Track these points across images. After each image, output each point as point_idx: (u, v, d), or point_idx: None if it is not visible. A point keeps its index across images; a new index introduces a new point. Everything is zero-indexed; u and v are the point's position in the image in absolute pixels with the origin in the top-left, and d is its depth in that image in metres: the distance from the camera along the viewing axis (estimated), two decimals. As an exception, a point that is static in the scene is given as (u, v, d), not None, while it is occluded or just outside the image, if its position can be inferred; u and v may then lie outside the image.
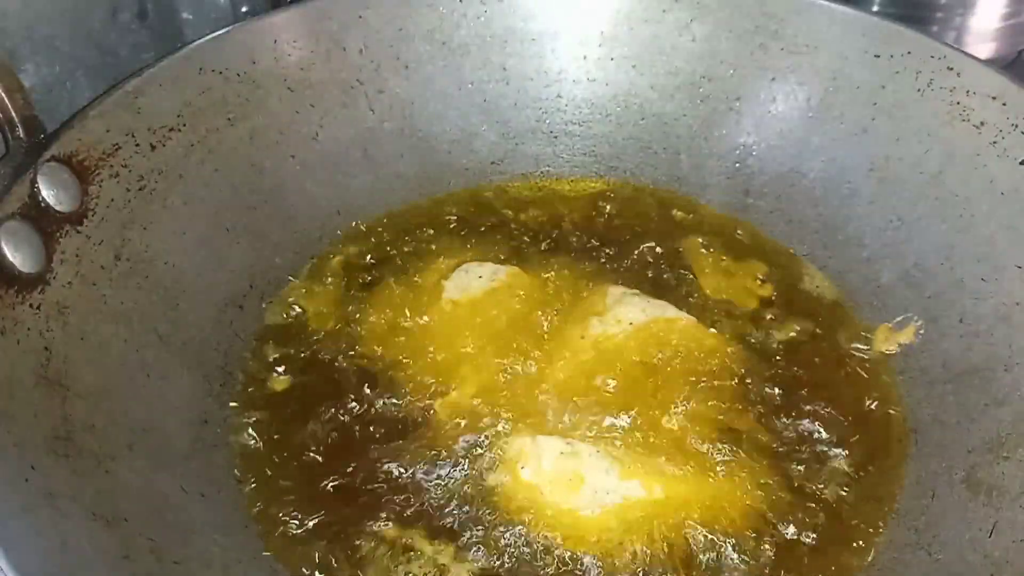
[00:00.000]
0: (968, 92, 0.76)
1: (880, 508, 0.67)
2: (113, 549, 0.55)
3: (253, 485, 0.67)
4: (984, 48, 1.05)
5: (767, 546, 0.64)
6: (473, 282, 0.80)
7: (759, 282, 0.83)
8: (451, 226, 0.89)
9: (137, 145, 0.72)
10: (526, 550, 0.63)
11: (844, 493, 0.67)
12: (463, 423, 0.70)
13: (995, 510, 0.62)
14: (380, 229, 0.88)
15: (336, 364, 0.75)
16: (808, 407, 0.72)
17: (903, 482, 0.68)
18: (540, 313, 0.78)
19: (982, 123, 0.75)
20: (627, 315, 0.75)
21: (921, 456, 0.69)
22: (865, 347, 0.77)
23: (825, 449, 0.70)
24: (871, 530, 0.65)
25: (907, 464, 0.69)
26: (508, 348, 0.75)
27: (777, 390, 0.73)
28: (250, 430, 0.71)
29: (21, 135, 0.64)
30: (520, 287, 0.79)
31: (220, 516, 0.65)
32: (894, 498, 0.67)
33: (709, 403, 0.71)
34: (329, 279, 0.83)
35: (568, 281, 0.81)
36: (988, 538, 0.61)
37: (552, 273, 0.82)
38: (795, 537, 0.64)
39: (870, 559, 0.64)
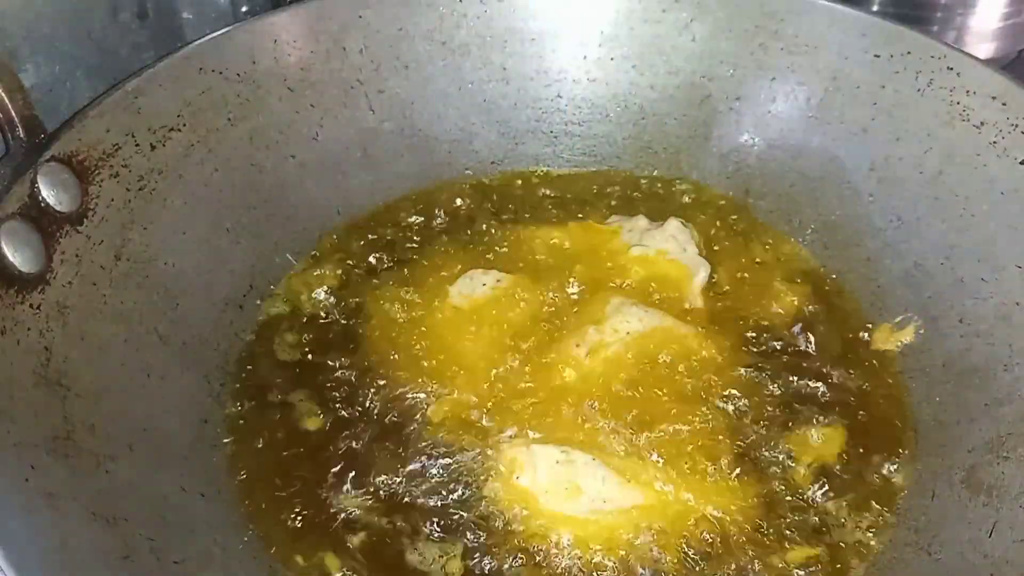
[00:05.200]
0: (968, 92, 0.76)
1: (880, 508, 0.67)
2: (113, 549, 0.55)
3: (253, 485, 0.67)
4: (984, 48, 1.05)
5: (766, 550, 0.64)
6: (477, 289, 0.79)
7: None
8: (451, 227, 0.88)
9: (137, 145, 0.72)
10: (520, 558, 0.63)
11: (844, 494, 0.67)
12: (459, 429, 0.70)
13: (995, 510, 0.62)
14: (380, 229, 0.88)
15: (335, 366, 0.75)
16: (807, 409, 0.72)
17: (903, 482, 0.68)
18: (540, 322, 0.77)
19: (982, 123, 0.75)
20: (625, 325, 0.74)
21: (921, 456, 0.69)
22: (865, 347, 0.77)
23: (824, 451, 0.70)
24: (871, 531, 0.65)
25: (907, 464, 0.69)
26: (506, 356, 0.74)
27: (776, 394, 0.73)
28: (250, 430, 0.71)
29: (21, 135, 0.64)
30: (522, 295, 0.79)
31: (220, 516, 0.65)
32: (894, 498, 0.67)
33: (706, 410, 0.71)
34: (329, 279, 0.83)
35: (570, 289, 0.80)
36: (988, 538, 0.60)
37: (554, 280, 0.81)
38: (795, 541, 0.64)
39: (870, 559, 0.64)
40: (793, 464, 0.69)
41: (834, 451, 0.70)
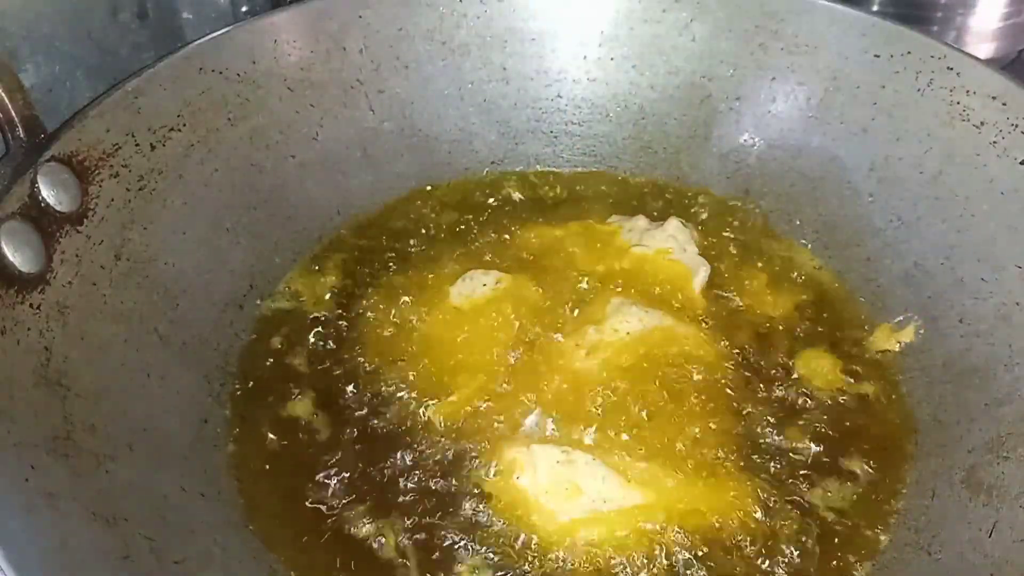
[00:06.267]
0: (968, 92, 0.76)
1: (880, 508, 0.67)
2: (113, 549, 0.55)
3: (253, 485, 0.67)
4: (984, 48, 1.05)
5: (766, 550, 0.64)
6: (477, 289, 0.79)
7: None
8: (451, 227, 0.88)
9: (137, 145, 0.72)
10: (521, 559, 0.63)
11: (844, 495, 0.67)
12: (459, 429, 0.70)
13: (995, 510, 0.62)
14: (380, 229, 0.88)
15: (335, 366, 0.75)
16: (807, 409, 0.72)
17: (903, 482, 0.68)
18: (540, 322, 0.77)
19: (982, 123, 0.75)
20: (625, 325, 0.74)
21: (921, 456, 0.69)
22: (865, 347, 0.77)
23: (824, 451, 0.70)
24: (871, 531, 0.65)
25: (907, 464, 0.69)
26: (506, 356, 0.74)
27: (775, 394, 0.73)
28: (250, 430, 0.71)
29: (21, 135, 0.64)
30: (522, 296, 0.79)
31: (220, 516, 0.65)
32: (894, 498, 0.67)
33: (706, 410, 0.71)
34: (329, 279, 0.83)
35: (570, 289, 0.80)
36: (988, 538, 0.60)
37: (554, 280, 0.81)
38: (795, 540, 0.64)
39: (870, 559, 0.64)
40: (794, 464, 0.69)
41: (833, 450, 0.70)
